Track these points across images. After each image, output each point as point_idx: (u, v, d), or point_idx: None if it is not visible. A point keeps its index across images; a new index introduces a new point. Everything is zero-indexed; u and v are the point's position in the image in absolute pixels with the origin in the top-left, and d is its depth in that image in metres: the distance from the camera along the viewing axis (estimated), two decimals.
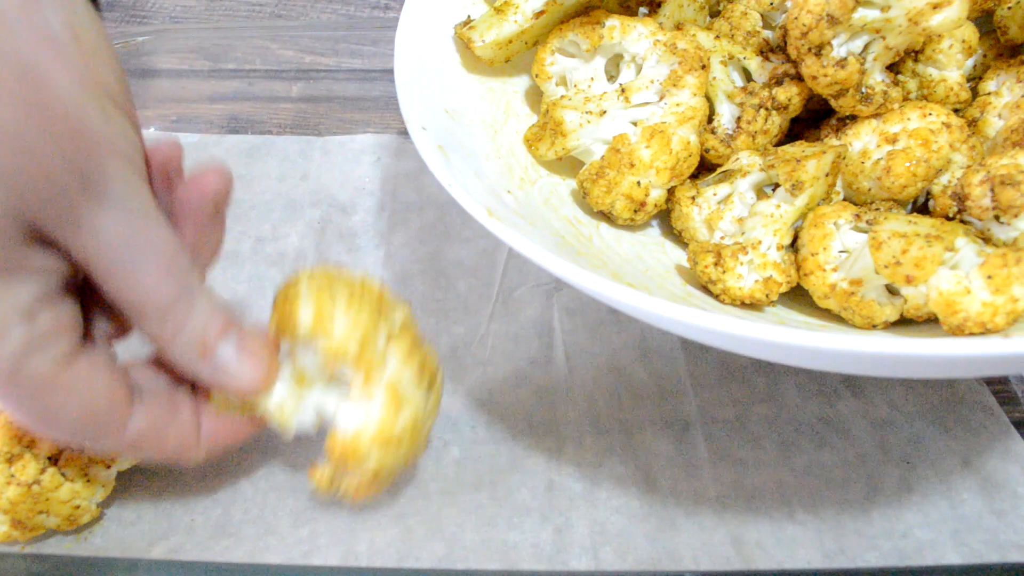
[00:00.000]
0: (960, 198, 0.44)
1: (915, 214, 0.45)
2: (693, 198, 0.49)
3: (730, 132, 0.50)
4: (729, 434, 0.50)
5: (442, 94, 0.52)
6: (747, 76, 0.51)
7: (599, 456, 0.49)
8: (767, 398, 0.52)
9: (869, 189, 0.47)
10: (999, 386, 0.53)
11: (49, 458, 0.41)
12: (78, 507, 0.43)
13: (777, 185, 0.46)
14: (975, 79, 0.51)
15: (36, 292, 0.32)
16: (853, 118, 0.48)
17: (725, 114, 0.51)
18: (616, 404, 0.51)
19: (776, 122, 0.49)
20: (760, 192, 0.47)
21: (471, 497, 0.46)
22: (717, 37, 0.51)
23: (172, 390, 0.39)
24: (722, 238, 0.48)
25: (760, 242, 0.46)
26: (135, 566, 0.38)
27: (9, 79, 0.29)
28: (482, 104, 0.54)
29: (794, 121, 0.52)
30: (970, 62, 0.50)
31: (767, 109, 0.49)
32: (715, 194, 0.49)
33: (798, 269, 0.45)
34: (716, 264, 0.46)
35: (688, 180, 0.51)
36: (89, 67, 0.32)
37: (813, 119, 0.52)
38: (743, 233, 0.47)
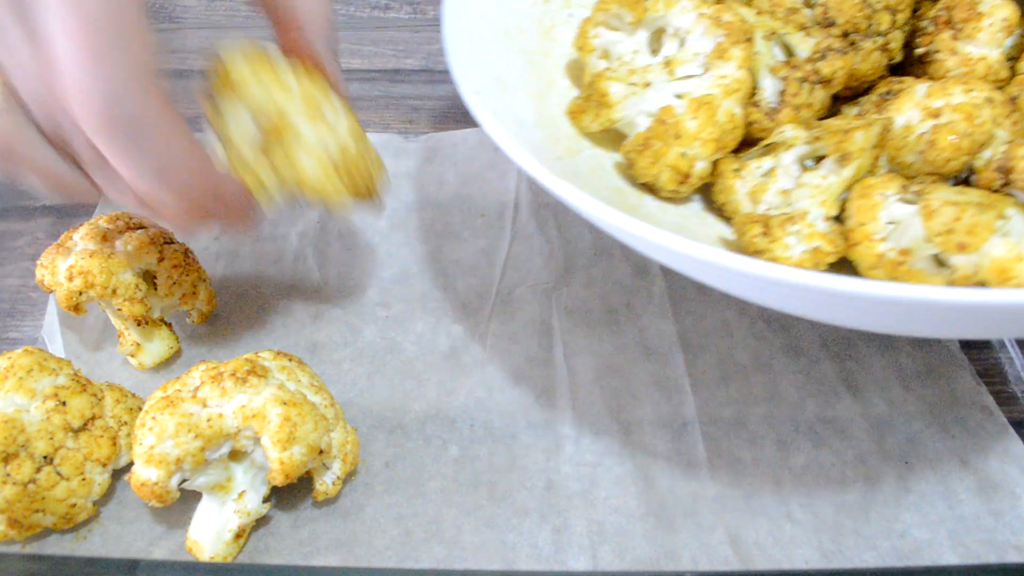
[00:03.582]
0: (1005, 171, 0.44)
1: (961, 186, 0.46)
2: (737, 171, 0.50)
3: (774, 106, 0.51)
4: (727, 434, 0.50)
5: (490, 62, 0.52)
6: (788, 53, 0.52)
7: (597, 456, 0.49)
8: (766, 398, 0.52)
9: (912, 163, 0.47)
10: (998, 386, 0.53)
11: (44, 457, 0.42)
12: (74, 506, 0.43)
13: (820, 158, 0.47)
14: (1014, 58, 0.52)
15: None
16: (895, 93, 0.49)
17: (768, 88, 0.51)
18: (615, 403, 0.51)
19: (819, 96, 0.50)
20: (803, 165, 0.48)
21: (470, 497, 0.47)
22: (759, 13, 0.52)
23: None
24: (766, 210, 0.48)
25: (807, 213, 0.46)
26: (135, 566, 0.38)
27: None
28: (524, 74, 0.55)
29: (834, 98, 0.52)
30: (1009, 41, 0.50)
31: (811, 83, 0.50)
32: (759, 167, 0.49)
33: (845, 240, 0.45)
34: (764, 234, 0.46)
35: (731, 154, 0.51)
36: None
37: (852, 96, 0.53)
38: (789, 204, 0.47)
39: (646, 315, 0.56)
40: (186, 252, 0.52)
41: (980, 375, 0.53)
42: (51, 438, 0.42)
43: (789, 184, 0.47)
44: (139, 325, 0.50)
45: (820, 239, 0.45)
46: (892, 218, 0.44)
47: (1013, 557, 0.44)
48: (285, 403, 0.41)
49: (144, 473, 0.41)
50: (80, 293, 0.47)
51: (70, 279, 0.47)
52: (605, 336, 0.55)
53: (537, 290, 0.58)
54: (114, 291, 0.47)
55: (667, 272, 0.59)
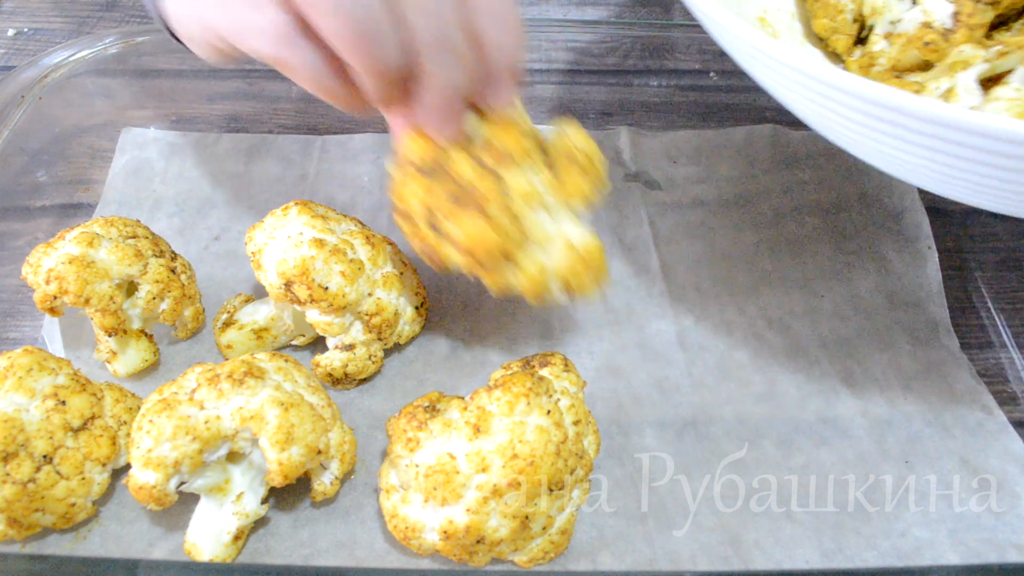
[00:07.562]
0: None
1: None
2: (917, 92, 0.50)
3: (949, 27, 0.52)
4: (727, 433, 0.50)
5: None
6: None
7: (598, 457, 0.48)
8: (765, 398, 0.52)
9: None
10: (998, 386, 0.53)
11: (44, 456, 0.42)
12: (74, 505, 0.43)
13: (996, 77, 0.48)
14: None
15: None
16: None
17: (938, 11, 0.52)
18: (615, 404, 0.51)
19: (990, 16, 0.51)
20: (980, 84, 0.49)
21: None
22: None
23: None
24: None
25: None
26: (135, 566, 0.38)
27: None
28: None
29: None
30: None
31: (985, 3, 0.50)
32: (936, 88, 0.50)
33: None
34: None
35: (901, 77, 0.52)
36: None
37: (998, 24, 0.54)
38: None
39: (646, 315, 0.56)
40: (172, 270, 0.51)
41: (980, 375, 0.53)
42: (51, 437, 0.42)
43: (975, 101, 0.48)
44: (110, 335, 0.49)
45: None
46: None
47: (1013, 556, 0.44)
48: (283, 404, 0.41)
49: (142, 476, 0.41)
50: (55, 298, 0.47)
51: (47, 282, 0.47)
52: (605, 336, 0.55)
53: None
54: (87, 300, 0.47)
55: (667, 272, 0.59)
